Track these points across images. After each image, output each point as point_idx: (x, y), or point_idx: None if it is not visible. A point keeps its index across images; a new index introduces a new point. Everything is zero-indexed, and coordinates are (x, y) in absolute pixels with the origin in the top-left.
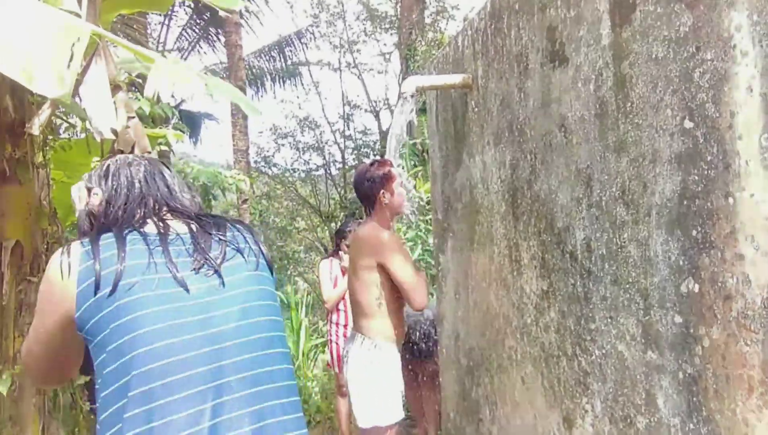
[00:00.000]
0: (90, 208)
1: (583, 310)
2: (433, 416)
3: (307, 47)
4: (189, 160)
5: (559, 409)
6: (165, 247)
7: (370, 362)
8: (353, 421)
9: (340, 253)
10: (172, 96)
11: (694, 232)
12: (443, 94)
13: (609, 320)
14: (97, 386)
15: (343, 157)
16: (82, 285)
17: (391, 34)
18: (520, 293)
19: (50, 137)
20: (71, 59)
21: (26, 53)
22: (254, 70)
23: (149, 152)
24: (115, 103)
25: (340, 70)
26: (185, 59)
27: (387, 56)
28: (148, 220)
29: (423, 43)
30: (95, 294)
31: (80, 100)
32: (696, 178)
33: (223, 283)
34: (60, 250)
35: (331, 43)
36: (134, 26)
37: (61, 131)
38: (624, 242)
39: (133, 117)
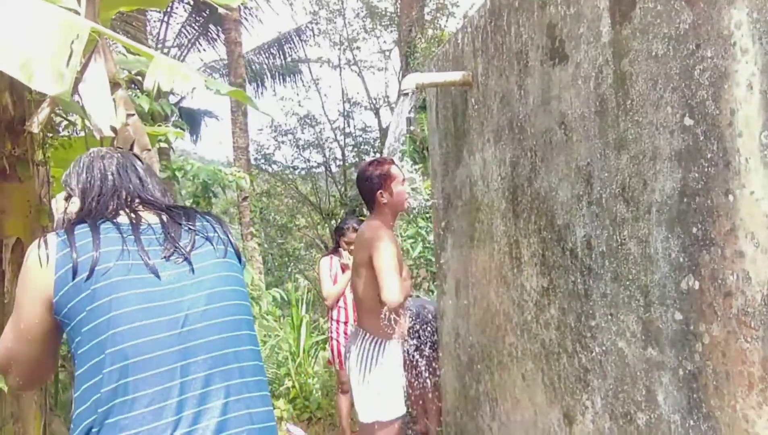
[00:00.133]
0: (68, 216)
1: (584, 307)
2: (435, 412)
3: (306, 44)
4: (189, 157)
5: (559, 405)
6: (137, 236)
7: (372, 358)
8: (354, 418)
9: (340, 250)
10: (171, 92)
11: (695, 230)
12: (443, 91)
13: (609, 317)
14: (75, 367)
15: (343, 154)
16: (60, 271)
17: (391, 31)
18: (521, 290)
19: (50, 135)
20: (70, 57)
21: (26, 51)
22: (254, 67)
23: (149, 150)
24: (114, 100)
25: (340, 68)
26: (185, 56)
27: (387, 53)
28: (121, 212)
29: (423, 40)
30: (73, 279)
31: (80, 97)
32: (696, 175)
33: (192, 270)
34: (36, 241)
35: (330, 40)
36: (133, 23)
37: (60, 129)
38: (624, 239)
39: (133, 114)
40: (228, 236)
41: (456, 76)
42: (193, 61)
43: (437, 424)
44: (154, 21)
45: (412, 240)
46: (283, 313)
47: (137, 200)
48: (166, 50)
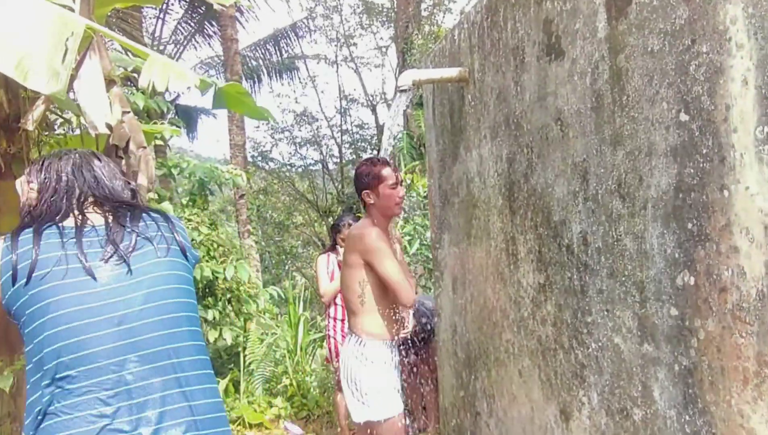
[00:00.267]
0: (29, 201)
1: (580, 303)
2: (433, 409)
3: (302, 40)
4: (185, 154)
5: (556, 401)
6: (79, 239)
7: (356, 359)
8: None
9: (337, 247)
10: (167, 90)
11: (690, 225)
12: (440, 87)
13: (605, 313)
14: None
15: (340, 151)
16: (5, 276)
17: (388, 27)
18: (517, 287)
19: (45, 133)
20: (65, 54)
21: (20, 49)
22: (250, 64)
23: (145, 147)
24: (109, 97)
25: (337, 64)
26: (181, 53)
27: (383, 50)
28: (70, 214)
29: (419, 36)
30: (14, 284)
31: (74, 94)
32: (691, 171)
33: (130, 271)
34: None
35: (327, 36)
36: (129, 20)
37: (56, 127)
38: (620, 235)
39: (128, 112)
40: (174, 234)
41: (452, 72)
42: (190, 58)
43: (435, 420)
44: (150, 18)
45: (408, 237)
46: (280, 311)
47: (90, 199)
48: (162, 47)
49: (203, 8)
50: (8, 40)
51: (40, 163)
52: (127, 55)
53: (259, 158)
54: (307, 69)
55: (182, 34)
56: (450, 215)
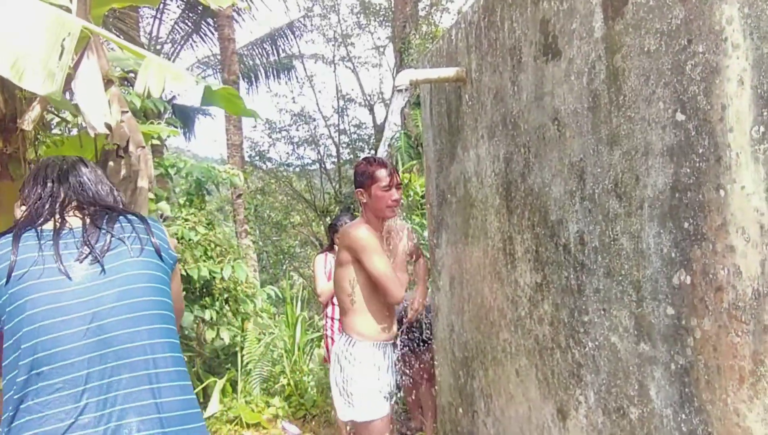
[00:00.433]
0: (17, 220)
1: (577, 303)
2: (430, 408)
3: (300, 39)
4: (182, 154)
5: (553, 400)
6: (55, 241)
7: (345, 358)
8: None
9: (335, 247)
10: (164, 89)
11: (686, 225)
12: (437, 87)
13: (602, 312)
14: None
15: (337, 151)
16: None
17: (385, 27)
18: (514, 286)
19: (42, 133)
20: (61, 55)
21: (16, 49)
22: (247, 63)
23: (143, 147)
24: (108, 97)
25: (335, 64)
26: (178, 53)
27: (381, 49)
28: (51, 218)
29: (417, 36)
30: None
31: (70, 95)
32: (688, 170)
33: (104, 271)
34: None
35: (324, 36)
36: (126, 20)
37: (53, 127)
38: (617, 235)
39: (127, 111)
40: (149, 236)
41: (450, 72)
42: (187, 57)
43: (433, 419)
44: (147, 17)
45: None
46: (278, 311)
47: (74, 203)
48: (159, 47)
49: (200, 8)
50: (4, 40)
51: (32, 172)
52: (123, 52)
53: (257, 158)
54: (305, 68)
55: (179, 33)
56: (447, 215)
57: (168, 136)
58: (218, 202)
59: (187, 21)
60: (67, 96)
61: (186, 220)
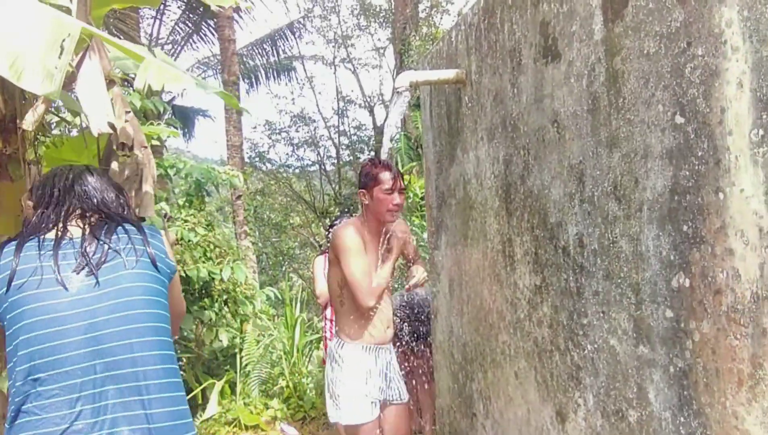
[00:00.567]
0: (27, 216)
1: (576, 305)
2: (430, 411)
3: (300, 40)
4: (182, 155)
5: (552, 403)
6: (55, 251)
7: (333, 360)
8: None
9: None
10: (163, 90)
11: (685, 227)
12: (437, 89)
13: (601, 315)
14: None
15: (337, 152)
16: None
17: (385, 28)
18: (514, 288)
19: (41, 134)
20: (60, 56)
21: (15, 50)
22: (247, 64)
23: (146, 146)
24: (112, 97)
25: (335, 65)
26: (178, 53)
27: (381, 51)
28: (54, 227)
29: (417, 37)
30: None
31: (74, 95)
32: (687, 173)
33: (98, 283)
34: None
35: (324, 37)
36: (126, 21)
37: (52, 127)
38: (616, 237)
39: (129, 111)
40: (146, 247)
41: (450, 74)
42: (187, 58)
43: (431, 422)
44: (148, 18)
45: None
46: (277, 313)
47: (78, 211)
48: (159, 48)
49: (201, 9)
50: (3, 40)
51: (41, 180)
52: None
53: (257, 159)
54: (305, 70)
55: (180, 34)
56: (447, 217)
57: (168, 137)
58: (218, 202)
59: (187, 22)
60: (72, 96)
61: (185, 221)
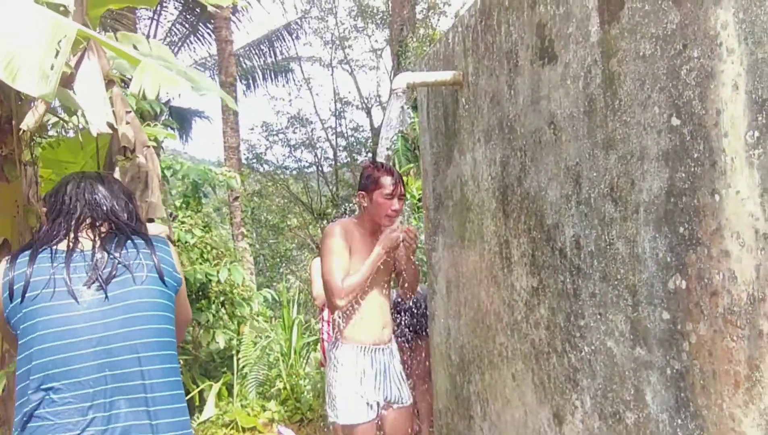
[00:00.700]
0: (41, 221)
1: (573, 307)
2: (427, 412)
3: (297, 41)
4: (179, 156)
5: (549, 405)
6: (67, 263)
7: (329, 359)
8: None
9: None
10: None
11: (681, 229)
12: (434, 91)
13: (598, 317)
14: None
15: (335, 154)
16: (4, 293)
17: (383, 30)
18: (511, 290)
19: (38, 135)
20: (56, 57)
21: (10, 50)
22: (244, 65)
23: (148, 146)
24: (111, 97)
25: (332, 67)
26: (176, 54)
27: (378, 52)
28: (65, 238)
29: (414, 39)
30: (11, 301)
31: (74, 95)
32: (683, 175)
33: (107, 298)
34: None
35: (322, 38)
36: (123, 21)
37: (48, 128)
38: (612, 239)
39: (130, 112)
40: (153, 261)
41: (447, 75)
42: (184, 59)
43: (429, 424)
44: (145, 19)
45: None
46: (274, 314)
47: (88, 220)
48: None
49: (198, 9)
50: None
51: (54, 188)
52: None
53: (254, 160)
54: (302, 71)
55: (177, 35)
56: (444, 218)
57: (164, 138)
58: (215, 204)
59: (184, 23)
60: (72, 94)
61: (182, 222)
